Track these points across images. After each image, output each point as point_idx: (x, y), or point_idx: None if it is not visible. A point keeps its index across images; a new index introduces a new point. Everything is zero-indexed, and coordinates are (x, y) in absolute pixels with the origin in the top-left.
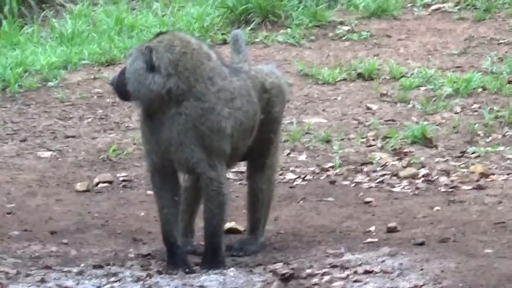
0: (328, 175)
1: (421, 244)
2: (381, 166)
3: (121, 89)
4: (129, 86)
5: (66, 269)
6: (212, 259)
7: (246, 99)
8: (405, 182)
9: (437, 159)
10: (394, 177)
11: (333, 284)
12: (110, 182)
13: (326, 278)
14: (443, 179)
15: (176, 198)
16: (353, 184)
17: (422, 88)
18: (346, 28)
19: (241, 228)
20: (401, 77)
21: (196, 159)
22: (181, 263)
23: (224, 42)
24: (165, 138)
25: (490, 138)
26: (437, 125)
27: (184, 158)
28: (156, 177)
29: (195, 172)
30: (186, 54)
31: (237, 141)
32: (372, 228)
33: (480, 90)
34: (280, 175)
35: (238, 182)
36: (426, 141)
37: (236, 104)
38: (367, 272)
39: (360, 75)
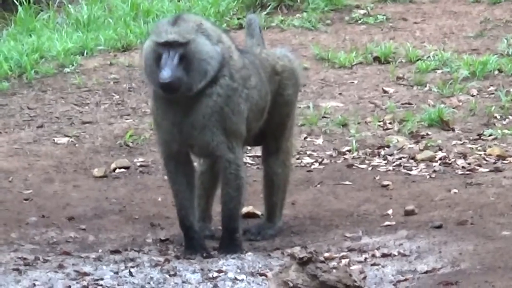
0: (345, 159)
1: (439, 227)
2: (398, 149)
3: None
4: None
5: (84, 254)
6: (229, 243)
7: (258, 77)
8: (422, 165)
9: (454, 142)
10: (411, 160)
11: (351, 268)
12: (127, 168)
13: (344, 261)
14: (460, 162)
15: (191, 183)
16: (370, 168)
17: (439, 71)
18: (362, 11)
19: (258, 212)
20: (417, 60)
21: (216, 142)
22: (198, 248)
23: (240, 27)
24: (189, 122)
25: (507, 121)
26: (453, 108)
27: (205, 141)
28: (171, 163)
29: (214, 155)
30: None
31: (251, 122)
32: (390, 212)
33: (496, 72)
34: (297, 159)
35: (256, 167)
36: (443, 124)
37: (252, 83)
38: (385, 255)
39: (376, 59)
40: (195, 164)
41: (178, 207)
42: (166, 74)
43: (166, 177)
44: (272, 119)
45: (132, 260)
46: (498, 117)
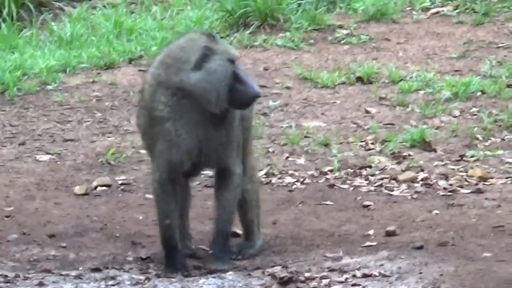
0: (327, 179)
1: (420, 247)
2: (380, 170)
3: None
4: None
5: (64, 272)
6: (223, 246)
7: None
8: (404, 186)
9: (436, 163)
10: (393, 181)
11: None
12: (108, 186)
13: (324, 281)
14: (442, 183)
15: (184, 203)
16: (351, 188)
17: (421, 92)
18: (345, 31)
19: (239, 231)
20: (400, 80)
21: (226, 156)
22: (180, 266)
23: None
24: (215, 138)
25: (489, 142)
26: (436, 129)
27: (216, 156)
28: (169, 183)
29: (223, 168)
30: None
31: None
32: (371, 232)
33: (479, 93)
34: (279, 178)
35: None
36: (425, 145)
37: None
38: (365, 275)
39: (359, 79)
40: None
41: (165, 227)
42: (257, 87)
43: (156, 196)
44: None
45: (112, 278)
46: (480, 138)
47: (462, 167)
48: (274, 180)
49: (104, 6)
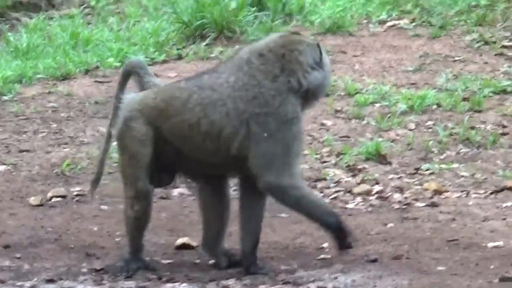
0: None
1: (374, 260)
2: (335, 183)
3: None
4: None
5: (19, 283)
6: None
7: None
8: (359, 199)
9: (391, 176)
10: (348, 194)
11: None
12: (63, 197)
13: None
14: (397, 196)
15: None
16: None
17: (377, 105)
18: None
19: (194, 243)
20: (356, 93)
21: None
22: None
23: (179, 58)
24: None
25: (444, 155)
26: (391, 142)
27: None
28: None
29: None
30: None
31: None
32: (325, 245)
33: (434, 107)
34: (234, 190)
35: (193, 198)
36: (380, 158)
37: None
38: None
39: None
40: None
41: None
42: None
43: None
44: None
45: None
46: (436, 151)
47: (417, 180)
48: (230, 192)
49: (61, 17)
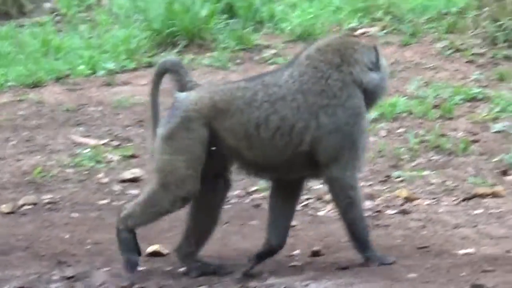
0: (252, 199)
1: (345, 268)
2: (306, 190)
3: None
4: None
5: None
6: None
7: None
8: (329, 206)
9: (361, 183)
10: (319, 201)
11: None
12: (34, 204)
13: None
14: (368, 203)
15: None
16: None
17: None
18: (272, 51)
19: (165, 251)
20: None
21: None
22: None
23: (150, 65)
24: None
25: (415, 163)
26: None
27: None
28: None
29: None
30: None
31: None
32: (296, 252)
33: (405, 114)
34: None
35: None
36: None
37: None
38: None
39: None
40: None
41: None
42: None
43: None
44: None
45: None
46: (407, 159)
47: (388, 187)
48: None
49: (32, 25)
